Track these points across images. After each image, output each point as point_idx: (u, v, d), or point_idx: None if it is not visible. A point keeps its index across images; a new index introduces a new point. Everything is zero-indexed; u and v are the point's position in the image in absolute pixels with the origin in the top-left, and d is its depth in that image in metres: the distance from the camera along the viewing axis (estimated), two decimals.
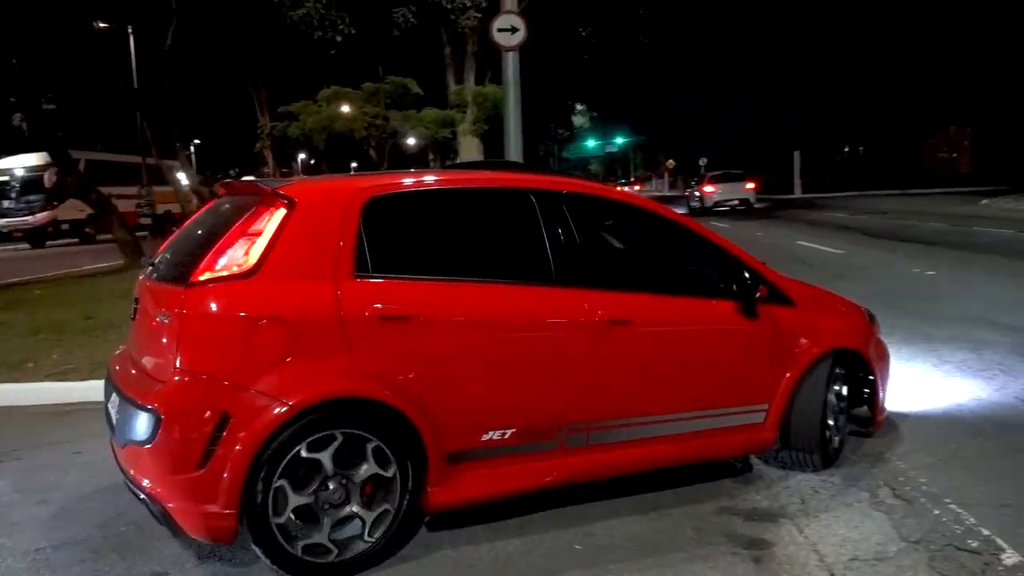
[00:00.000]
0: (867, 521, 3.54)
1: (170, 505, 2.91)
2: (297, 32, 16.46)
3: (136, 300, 3.44)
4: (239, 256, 3.03)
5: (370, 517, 3.11)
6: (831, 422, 4.02)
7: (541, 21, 16.10)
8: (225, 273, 3.00)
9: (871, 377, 4.22)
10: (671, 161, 65.45)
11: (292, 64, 24.18)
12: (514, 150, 12.27)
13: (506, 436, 3.29)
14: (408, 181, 3.43)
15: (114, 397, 3.24)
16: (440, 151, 33.15)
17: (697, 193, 31.64)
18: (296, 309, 3.00)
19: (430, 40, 21.71)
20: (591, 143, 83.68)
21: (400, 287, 3.15)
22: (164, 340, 2.99)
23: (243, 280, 2.98)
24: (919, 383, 5.65)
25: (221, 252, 3.04)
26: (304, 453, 2.98)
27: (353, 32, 16.47)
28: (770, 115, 49.10)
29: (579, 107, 66.86)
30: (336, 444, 3.03)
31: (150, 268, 3.47)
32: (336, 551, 3.05)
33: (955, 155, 45.11)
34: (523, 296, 3.38)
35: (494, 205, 3.57)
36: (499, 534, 3.45)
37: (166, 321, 3.01)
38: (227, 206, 3.47)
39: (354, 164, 45.71)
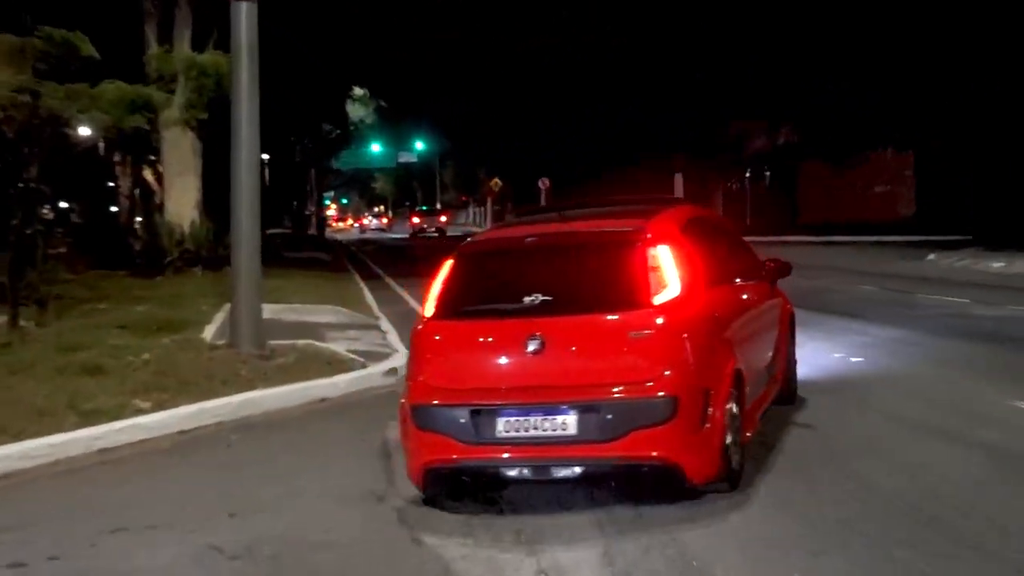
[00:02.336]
0: None
1: (682, 462, 6.33)
2: None
3: (534, 338, 6.59)
4: (664, 280, 6.67)
5: (736, 442, 6.90)
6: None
7: None
8: (667, 295, 6.63)
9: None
10: (496, 181, 66.96)
11: None
12: (246, 155, 12.05)
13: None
14: (701, 212, 8.78)
15: (522, 407, 6.57)
16: (130, 149, 32.13)
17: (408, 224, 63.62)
18: (709, 310, 6.97)
19: None
20: (376, 149, 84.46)
21: (719, 290, 7.44)
22: (647, 347, 6.48)
23: (679, 297, 6.63)
24: None
25: (648, 282, 6.67)
26: (734, 408, 6.88)
27: None
28: (648, 125, 51.66)
29: (358, 92, 67.42)
30: (736, 397, 6.99)
31: (530, 309, 6.81)
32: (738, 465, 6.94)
33: (889, 187, 49.40)
34: (744, 290, 8.30)
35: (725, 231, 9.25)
36: None
37: (644, 334, 6.49)
38: (576, 247, 7.22)
39: None
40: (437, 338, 6.99)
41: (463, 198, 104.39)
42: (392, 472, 7.61)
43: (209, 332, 13.83)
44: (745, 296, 8.20)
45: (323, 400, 10.85)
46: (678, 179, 51.65)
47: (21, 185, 15.17)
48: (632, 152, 52.62)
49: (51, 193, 21.47)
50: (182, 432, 9.41)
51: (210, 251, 23.32)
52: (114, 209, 39.40)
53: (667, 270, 6.68)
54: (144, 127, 21.63)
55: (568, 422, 6.46)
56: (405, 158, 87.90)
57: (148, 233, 25.72)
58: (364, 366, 12.07)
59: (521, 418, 6.53)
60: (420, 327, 7.11)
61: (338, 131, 62.36)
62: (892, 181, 49.44)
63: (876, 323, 14.83)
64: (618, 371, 6.47)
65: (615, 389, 6.42)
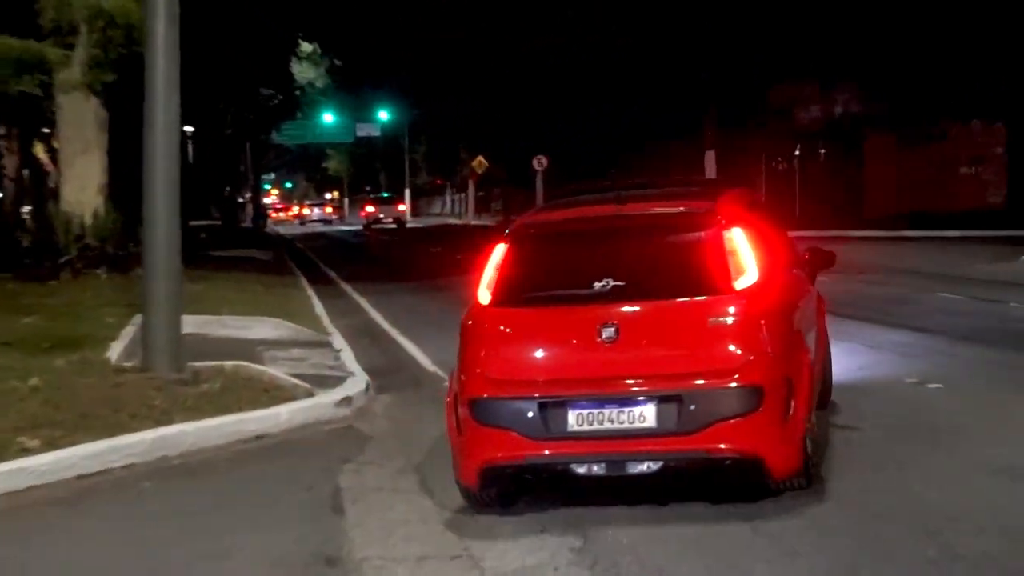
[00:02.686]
0: None
1: (767, 455, 7.23)
2: None
3: (607, 325, 7.49)
4: (742, 265, 7.65)
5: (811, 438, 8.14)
6: None
7: None
8: (747, 280, 7.61)
9: None
10: (481, 160, 67.04)
11: None
12: (164, 126, 12.04)
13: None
14: (755, 194, 11.14)
15: (597, 399, 7.44)
16: (18, 120, 32.05)
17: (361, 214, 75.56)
18: (786, 297, 8.33)
19: None
20: (329, 119, 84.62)
21: (788, 277, 9.05)
22: (729, 334, 7.43)
23: (759, 282, 7.62)
24: None
25: (727, 266, 7.63)
26: (812, 400, 8.33)
27: None
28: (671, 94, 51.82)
29: (306, 48, 67.47)
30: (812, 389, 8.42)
31: (602, 295, 7.73)
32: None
33: (975, 169, 49.31)
34: (800, 280, 9.50)
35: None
36: None
37: (726, 321, 7.46)
38: (653, 228, 8.20)
39: None
40: (499, 328, 7.91)
41: (438, 181, 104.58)
42: (345, 531, 7.57)
43: (115, 351, 13.78)
44: (800, 287, 9.35)
45: (259, 438, 10.80)
46: (710, 157, 51.66)
47: None
48: (653, 127, 52.67)
49: None
50: (80, 477, 9.33)
51: (117, 248, 23.26)
52: None
53: (744, 254, 7.73)
54: (37, 91, 21.62)
55: (646, 413, 7.36)
56: (365, 131, 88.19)
57: (39, 225, 25.70)
58: (311, 394, 12.01)
59: (595, 410, 7.43)
60: (476, 316, 8.01)
61: (280, 97, 62.17)
62: (980, 161, 49.37)
63: (960, 340, 14.88)
64: (698, 360, 7.45)
65: (696, 379, 7.36)
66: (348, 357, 14.78)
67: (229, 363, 13.01)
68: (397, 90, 78.00)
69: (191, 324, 13.64)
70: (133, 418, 10.52)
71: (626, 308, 7.64)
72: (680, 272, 7.77)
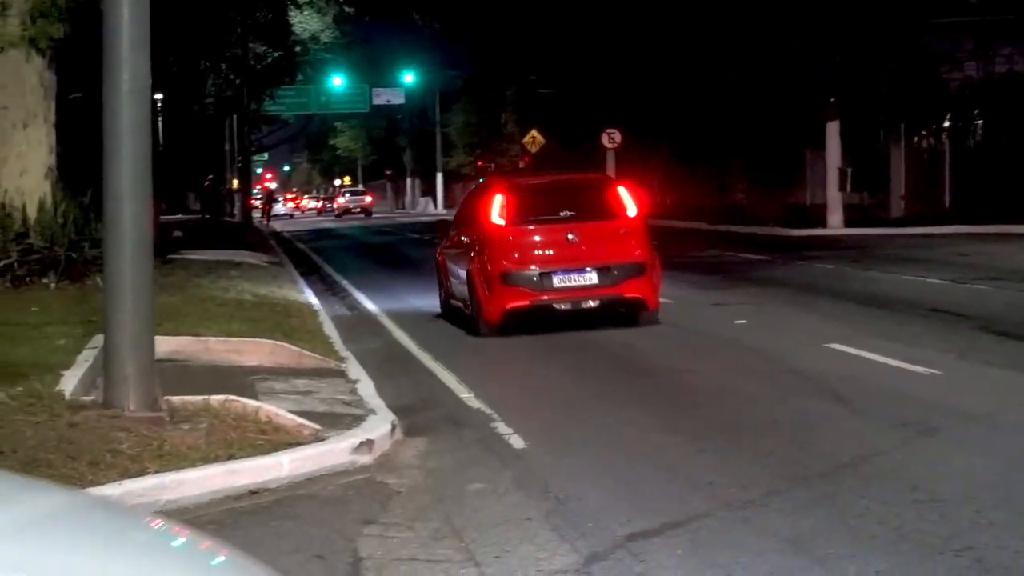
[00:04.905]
0: None
1: (647, 298, 21.57)
2: None
3: (571, 233, 21.60)
4: (630, 205, 22.69)
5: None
6: None
7: None
8: (633, 212, 22.79)
9: None
10: (535, 134, 67.07)
11: None
12: (128, 92, 12.11)
13: None
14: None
15: (567, 270, 21.55)
16: None
17: (332, 204, 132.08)
18: (647, 223, 24.52)
19: None
20: (339, 84, 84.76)
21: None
22: (629, 238, 22.04)
23: (638, 215, 22.88)
24: None
25: (624, 204, 22.69)
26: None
27: None
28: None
29: None
30: None
31: (567, 216, 22.11)
32: None
33: None
34: None
35: None
36: None
37: (627, 231, 22.11)
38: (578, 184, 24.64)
39: None
40: (511, 237, 21.04)
41: (479, 163, 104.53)
42: None
43: (70, 382, 13.75)
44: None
45: (254, 493, 10.83)
46: (832, 130, 51.18)
47: None
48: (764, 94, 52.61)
49: None
50: None
51: (70, 250, 23.36)
52: None
53: (628, 200, 21.63)
54: None
55: (592, 277, 20.65)
56: (384, 98, 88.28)
57: None
58: (321, 437, 12.05)
59: (566, 275, 20.65)
60: (496, 230, 20.96)
61: (276, 54, 62.48)
62: None
63: None
64: (615, 250, 20.98)
65: (615, 259, 20.68)
66: (367, 390, 14.85)
67: (216, 397, 12.98)
68: (428, 44, 77.96)
69: (166, 347, 13.70)
70: (93, 467, 10.54)
71: (579, 224, 20.94)
72: (603, 207, 21.64)
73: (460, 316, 22.57)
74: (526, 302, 20.49)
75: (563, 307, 20.71)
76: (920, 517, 9.10)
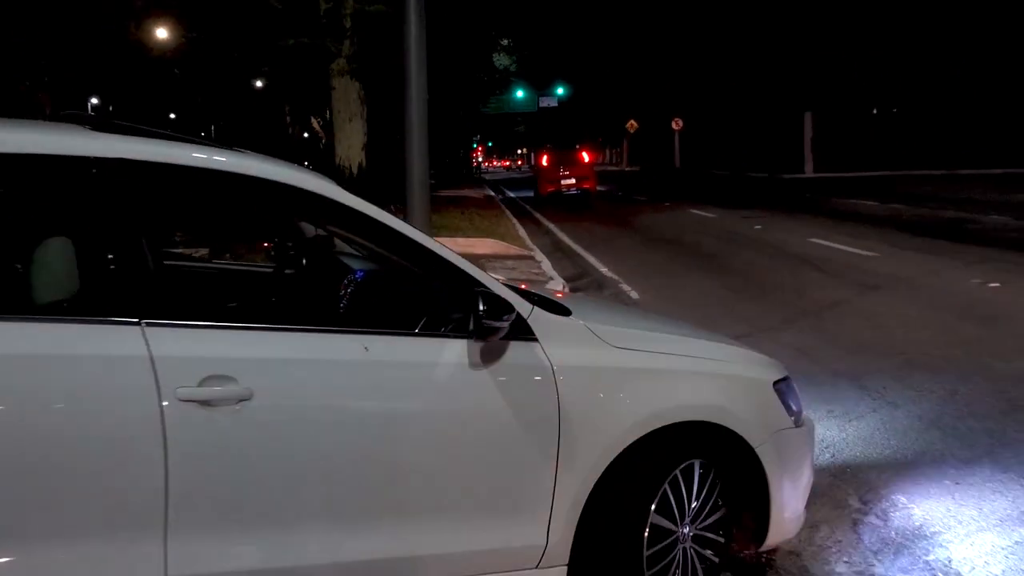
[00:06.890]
0: None
1: (593, 190, 37.79)
2: None
3: (565, 169, 37.17)
4: (589, 161, 38.75)
5: None
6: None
7: None
8: (588, 160, 39.00)
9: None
10: (632, 122, 66.32)
11: None
12: (416, 99, 12.28)
13: None
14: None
15: (566, 179, 37.53)
16: (292, 101, 32.88)
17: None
18: (594, 167, 41.13)
19: None
20: (520, 94, 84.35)
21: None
22: (587, 170, 37.54)
23: (590, 161, 39.37)
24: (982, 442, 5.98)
25: (587, 161, 38.71)
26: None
27: None
28: (772, 64, 50.00)
29: (504, 43, 67.31)
30: None
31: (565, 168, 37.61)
32: None
33: None
34: None
35: None
36: None
37: (588, 165, 38.03)
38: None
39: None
40: (547, 171, 36.71)
41: (599, 140, 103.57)
42: None
43: None
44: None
45: None
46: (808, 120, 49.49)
47: None
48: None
49: None
50: None
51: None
52: None
53: (587, 158, 37.70)
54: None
55: (575, 185, 35.80)
56: (546, 103, 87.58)
57: (321, 172, 26.31)
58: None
59: (563, 182, 35.95)
60: (541, 168, 37.64)
61: (486, 78, 62.66)
62: None
63: (1011, 250, 14.52)
64: (582, 177, 36.23)
65: (584, 177, 36.37)
66: (547, 267, 14.95)
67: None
68: (571, 71, 77.37)
69: None
70: None
71: (570, 168, 36.46)
72: (581, 162, 37.05)
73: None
74: (552, 189, 35.62)
75: (566, 192, 35.32)
76: (872, 336, 9.16)
